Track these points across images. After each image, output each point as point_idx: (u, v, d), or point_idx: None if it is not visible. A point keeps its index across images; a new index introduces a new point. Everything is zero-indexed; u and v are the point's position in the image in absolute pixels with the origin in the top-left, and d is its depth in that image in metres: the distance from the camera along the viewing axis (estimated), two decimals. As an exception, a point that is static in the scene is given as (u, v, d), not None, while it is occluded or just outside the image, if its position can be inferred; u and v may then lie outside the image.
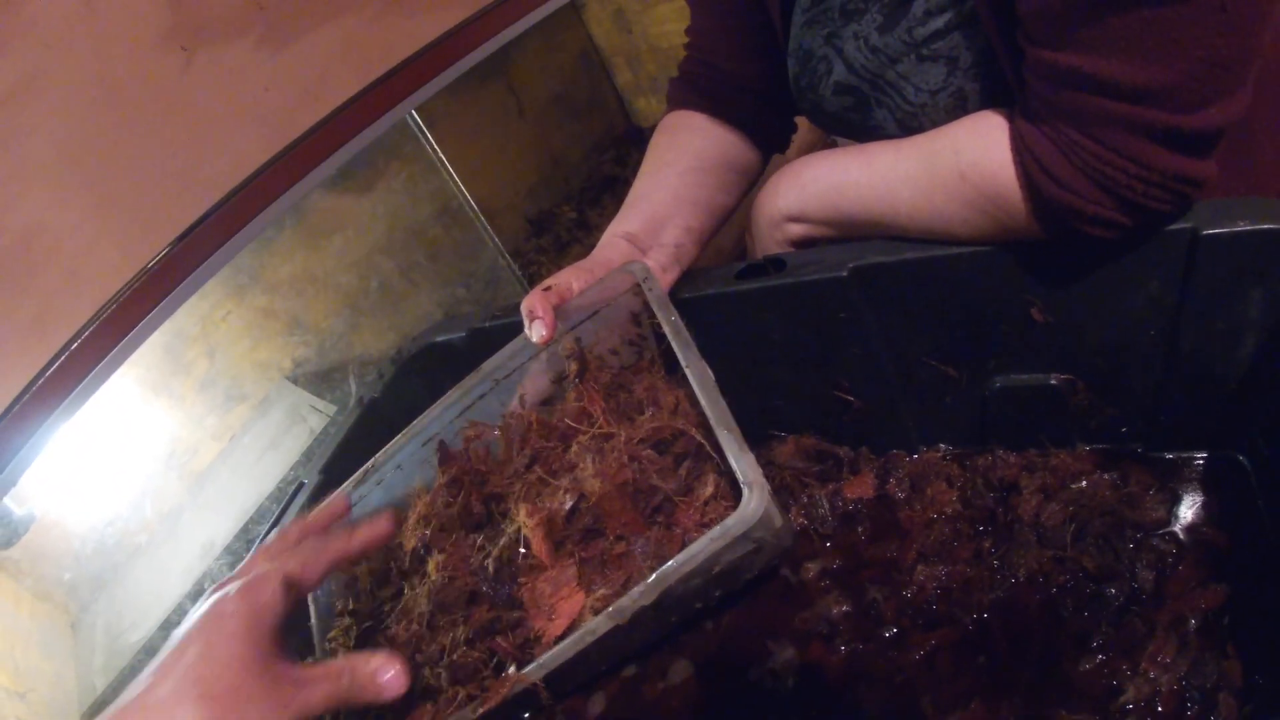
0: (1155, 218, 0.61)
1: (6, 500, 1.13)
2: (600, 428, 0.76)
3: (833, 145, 0.87)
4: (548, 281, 0.79)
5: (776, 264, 0.80)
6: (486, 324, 1.01)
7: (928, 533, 0.75)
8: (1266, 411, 0.66)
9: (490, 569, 0.73)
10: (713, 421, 0.65)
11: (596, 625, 0.62)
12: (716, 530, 0.59)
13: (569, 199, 1.87)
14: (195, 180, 1.00)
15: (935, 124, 0.74)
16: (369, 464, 0.86)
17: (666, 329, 0.72)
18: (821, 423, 0.88)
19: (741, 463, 0.61)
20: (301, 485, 0.95)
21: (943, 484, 0.79)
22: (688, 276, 0.86)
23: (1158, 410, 0.72)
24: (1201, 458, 0.72)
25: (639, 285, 0.78)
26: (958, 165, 0.67)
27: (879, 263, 0.74)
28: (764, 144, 0.95)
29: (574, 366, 0.81)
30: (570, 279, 0.79)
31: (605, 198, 1.83)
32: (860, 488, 0.82)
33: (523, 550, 0.73)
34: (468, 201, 1.30)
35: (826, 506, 0.82)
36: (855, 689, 0.68)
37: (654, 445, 0.73)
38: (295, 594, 0.60)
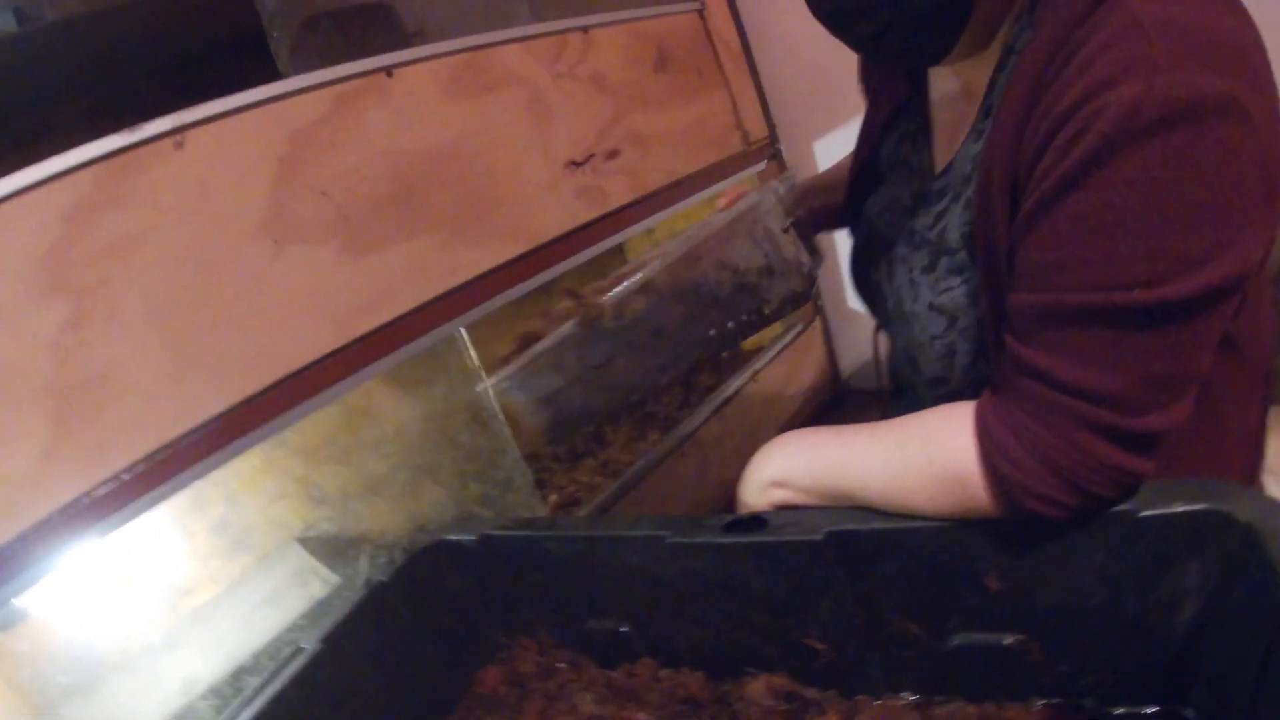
0: (1097, 501, 0.67)
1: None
2: None
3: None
4: None
5: (759, 522, 0.87)
6: (497, 531, 1.08)
7: (885, 778, 0.78)
8: (1209, 668, 0.69)
9: None
10: None
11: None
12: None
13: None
14: (265, 357, 1.10)
15: (927, 363, 0.87)
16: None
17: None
18: (793, 664, 0.92)
19: None
20: (300, 650, 0.97)
21: (905, 731, 0.82)
22: (679, 522, 0.94)
23: (1107, 667, 0.76)
24: (1151, 712, 0.75)
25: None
26: (926, 450, 0.76)
27: (851, 530, 0.81)
28: None
29: None
30: None
31: (622, 416, 1.91)
32: (826, 730, 0.85)
33: None
34: (496, 415, 1.40)
35: (792, 746, 0.85)
36: None
37: None
38: None
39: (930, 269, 0.86)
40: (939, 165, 0.88)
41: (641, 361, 0.98)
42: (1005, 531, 0.74)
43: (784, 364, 1.99)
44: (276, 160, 1.13)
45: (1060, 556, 0.73)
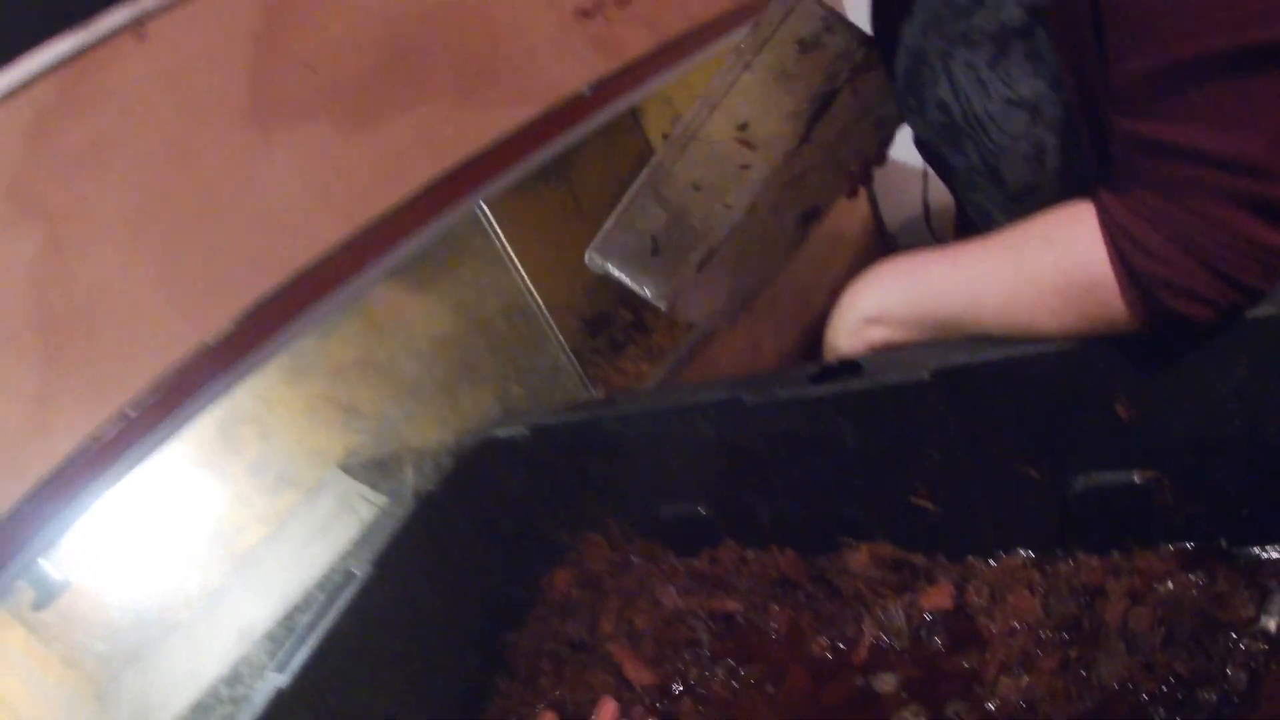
0: (1246, 294, 0.61)
1: (43, 562, 1.13)
2: None
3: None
4: None
5: (852, 367, 0.81)
6: (551, 421, 1.04)
7: (1009, 642, 0.74)
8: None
9: None
10: None
11: None
12: None
13: (625, 301, 1.91)
14: (265, 258, 1.04)
15: (1012, 171, 0.79)
16: None
17: None
18: (895, 529, 0.88)
19: None
20: (352, 576, 0.95)
21: (1024, 591, 0.78)
22: (759, 380, 0.88)
23: (1243, 504, 0.71)
24: (1293, 551, 0.72)
25: None
26: (1048, 255, 0.69)
27: (962, 364, 0.75)
28: None
29: None
30: None
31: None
32: (938, 598, 0.82)
33: None
34: (534, 298, 1.36)
35: (903, 618, 0.81)
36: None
37: None
38: None
39: (996, 62, 0.77)
40: None
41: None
42: (1137, 347, 0.68)
43: (828, 223, 1.89)
44: (251, 38, 1.04)
45: (1199, 372, 0.67)
